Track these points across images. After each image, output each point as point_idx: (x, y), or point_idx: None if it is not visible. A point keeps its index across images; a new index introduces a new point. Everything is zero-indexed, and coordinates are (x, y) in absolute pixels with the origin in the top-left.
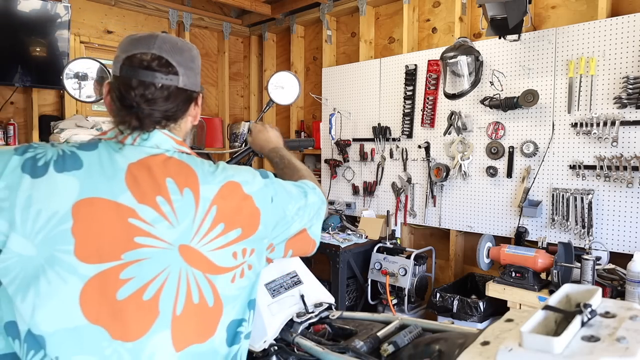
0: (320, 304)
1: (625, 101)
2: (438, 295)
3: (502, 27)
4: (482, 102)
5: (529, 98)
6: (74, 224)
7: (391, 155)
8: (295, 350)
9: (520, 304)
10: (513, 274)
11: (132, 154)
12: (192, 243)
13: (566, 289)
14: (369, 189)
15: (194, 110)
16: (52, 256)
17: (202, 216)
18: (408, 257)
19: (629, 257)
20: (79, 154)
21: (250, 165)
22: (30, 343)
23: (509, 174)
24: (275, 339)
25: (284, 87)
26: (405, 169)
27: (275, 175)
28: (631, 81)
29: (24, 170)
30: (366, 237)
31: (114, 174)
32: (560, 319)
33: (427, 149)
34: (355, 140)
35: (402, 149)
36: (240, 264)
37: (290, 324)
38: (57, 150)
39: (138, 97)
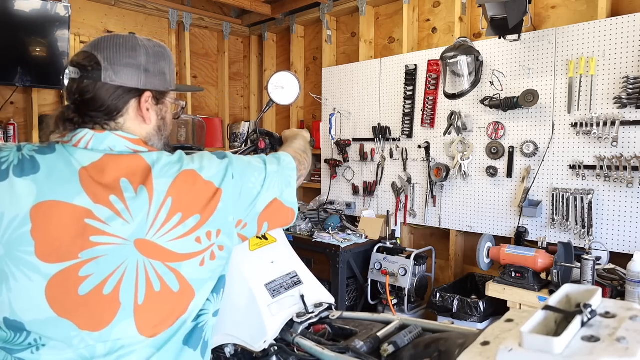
0: (320, 304)
1: (625, 101)
2: (438, 295)
3: (502, 27)
4: (482, 102)
5: (529, 98)
6: (33, 227)
7: (391, 155)
8: (296, 350)
9: (520, 304)
10: (513, 274)
11: (86, 156)
12: (148, 236)
13: (566, 289)
14: (369, 189)
15: (141, 110)
16: (16, 257)
17: (156, 209)
18: (408, 257)
19: (629, 257)
20: (37, 158)
21: None
22: (13, 328)
23: (509, 174)
24: (275, 339)
25: (284, 87)
26: (405, 169)
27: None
28: (631, 81)
29: None
30: (366, 237)
31: (69, 177)
32: (560, 319)
33: (427, 149)
34: (355, 140)
35: (402, 149)
36: (208, 247)
37: (291, 324)
38: (18, 155)
39: (70, 94)
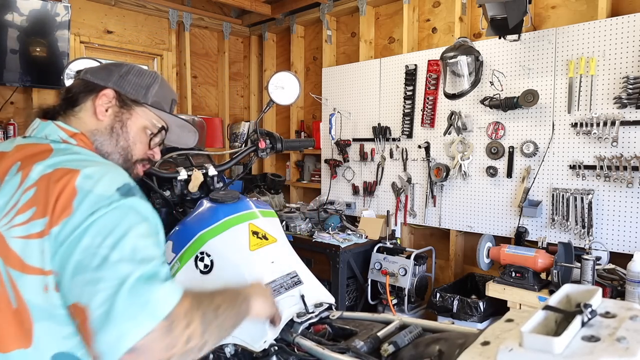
0: (321, 304)
1: (625, 101)
2: (438, 295)
3: (502, 27)
4: (482, 102)
5: (529, 98)
6: None
7: (391, 155)
8: (296, 350)
9: (520, 304)
10: (513, 274)
11: (16, 143)
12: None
13: (566, 289)
14: (369, 189)
15: (95, 105)
16: None
17: (19, 196)
18: (408, 257)
19: (629, 257)
20: None
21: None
22: None
23: (509, 174)
24: (275, 339)
25: (284, 88)
26: (405, 169)
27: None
28: (631, 81)
29: None
30: (366, 237)
31: None
32: (561, 319)
33: (427, 149)
34: (355, 140)
35: (402, 149)
36: (49, 272)
37: (291, 324)
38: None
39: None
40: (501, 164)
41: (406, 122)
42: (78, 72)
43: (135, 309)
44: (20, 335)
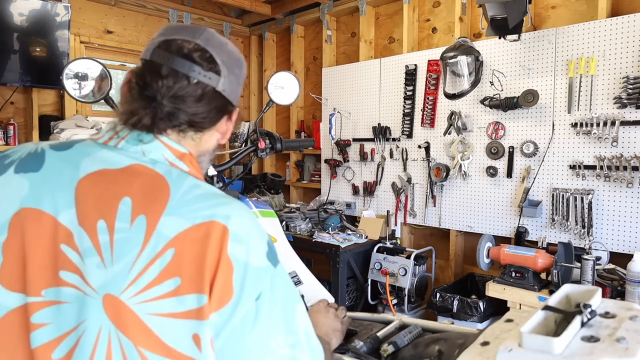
0: None
1: (625, 101)
2: (438, 295)
3: (502, 27)
4: (482, 102)
5: (529, 98)
6: (7, 238)
7: (391, 155)
8: None
9: (520, 304)
10: (513, 274)
11: (99, 159)
12: (124, 296)
13: (566, 289)
14: (369, 189)
15: (225, 126)
16: None
17: (148, 260)
18: (408, 257)
19: (629, 257)
20: (46, 153)
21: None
22: None
23: (509, 174)
24: None
25: (284, 87)
26: (405, 169)
27: None
28: (631, 81)
29: None
30: (366, 237)
31: (68, 182)
32: (560, 319)
33: (427, 149)
34: (355, 140)
35: (402, 149)
36: None
37: None
38: (30, 149)
39: (165, 89)
40: (501, 164)
41: (406, 122)
42: (216, 71)
43: None
44: None
